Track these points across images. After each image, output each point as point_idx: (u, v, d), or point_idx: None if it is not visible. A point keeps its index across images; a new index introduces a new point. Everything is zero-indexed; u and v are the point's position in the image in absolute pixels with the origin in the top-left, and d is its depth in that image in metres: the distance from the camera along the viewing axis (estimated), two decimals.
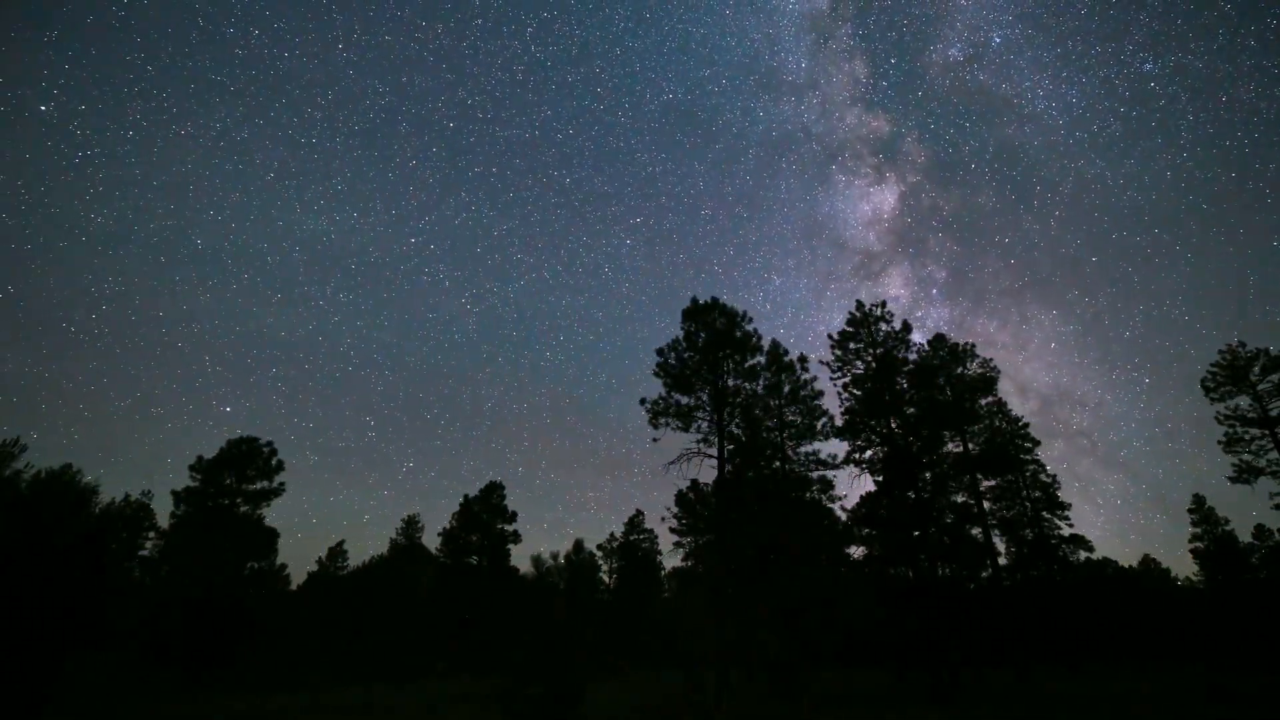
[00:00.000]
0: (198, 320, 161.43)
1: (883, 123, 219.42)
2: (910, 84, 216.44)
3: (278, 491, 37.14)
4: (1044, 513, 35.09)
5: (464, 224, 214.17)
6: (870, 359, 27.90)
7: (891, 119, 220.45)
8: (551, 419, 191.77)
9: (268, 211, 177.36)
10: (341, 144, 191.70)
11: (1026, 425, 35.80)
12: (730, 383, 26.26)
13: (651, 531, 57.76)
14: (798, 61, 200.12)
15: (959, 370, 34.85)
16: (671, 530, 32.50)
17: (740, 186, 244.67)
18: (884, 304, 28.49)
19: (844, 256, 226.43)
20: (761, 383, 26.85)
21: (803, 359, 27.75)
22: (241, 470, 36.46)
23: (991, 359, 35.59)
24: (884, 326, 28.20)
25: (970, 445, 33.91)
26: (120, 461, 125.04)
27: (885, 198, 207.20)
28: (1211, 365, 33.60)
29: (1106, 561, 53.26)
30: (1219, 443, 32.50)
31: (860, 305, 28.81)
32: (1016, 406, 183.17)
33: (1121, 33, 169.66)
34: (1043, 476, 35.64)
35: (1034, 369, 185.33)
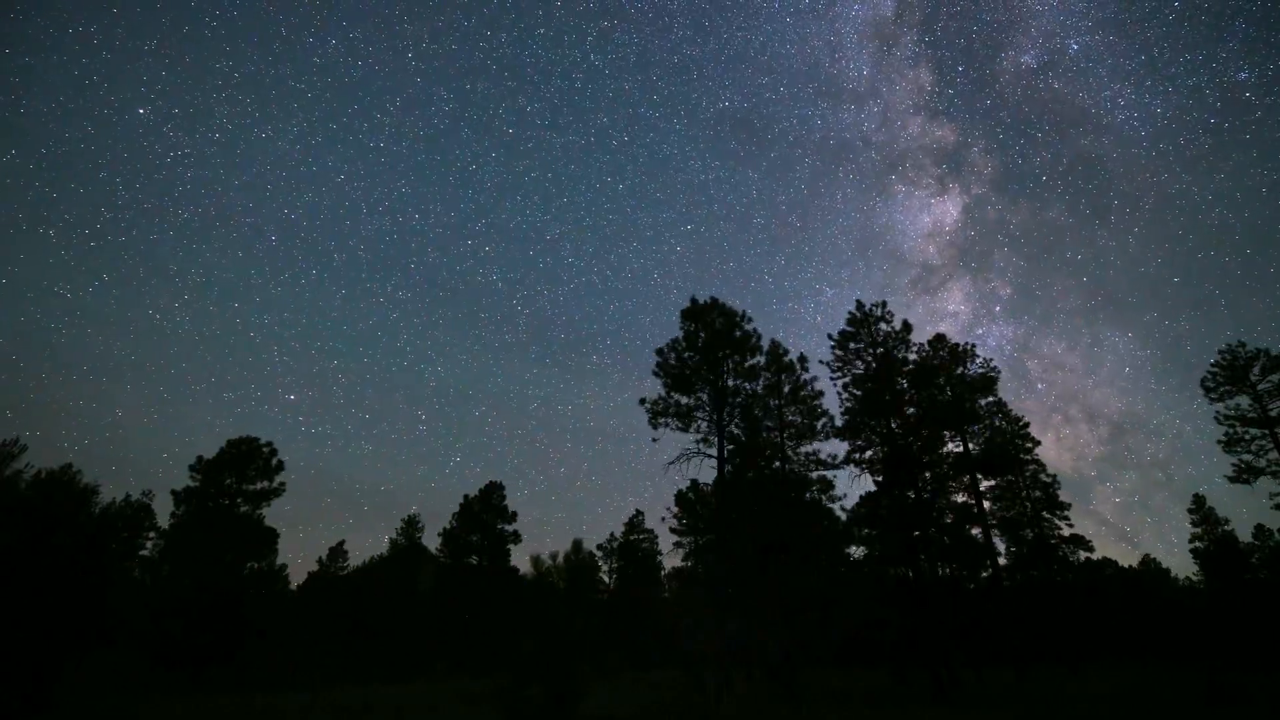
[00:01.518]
0: (269, 312, 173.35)
1: (947, 132, 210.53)
2: (978, 92, 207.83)
3: (278, 491, 37.15)
4: (1044, 513, 35.09)
5: (518, 227, 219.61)
6: (870, 359, 27.90)
7: (957, 128, 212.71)
8: (595, 422, 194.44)
9: (337, 211, 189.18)
10: (407, 148, 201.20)
11: (1026, 425, 35.82)
12: (730, 383, 26.28)
13: (651, 531, 57.80)
14: (859, 69, 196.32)
15: (959, 370, 34.87)
16: (671, 530, 32.55)
17: (794, 195, 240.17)
18: (884, 304, 28.46)
19: (901, 269, 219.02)
20: (761, 383, 26.87)
21: (803, 359, 27.77)
22: (241, 470, 36.47)
23: (992, 359, 35.60)
24: (884, 326, 28.20)
25: (970, 445, 33.93)
26: (196, 441, 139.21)
27: (947, 209, 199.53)
28: (1211, 365, 33.64)
29: (1106, 562, 53.35)
30: (1219, 442, 32.54)
31: (860, 305, 28.81)
32: (1084, 434, 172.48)
33: (1213, 39, 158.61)
34: (1043, 476, 35.64)
35: (1105, 394, 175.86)
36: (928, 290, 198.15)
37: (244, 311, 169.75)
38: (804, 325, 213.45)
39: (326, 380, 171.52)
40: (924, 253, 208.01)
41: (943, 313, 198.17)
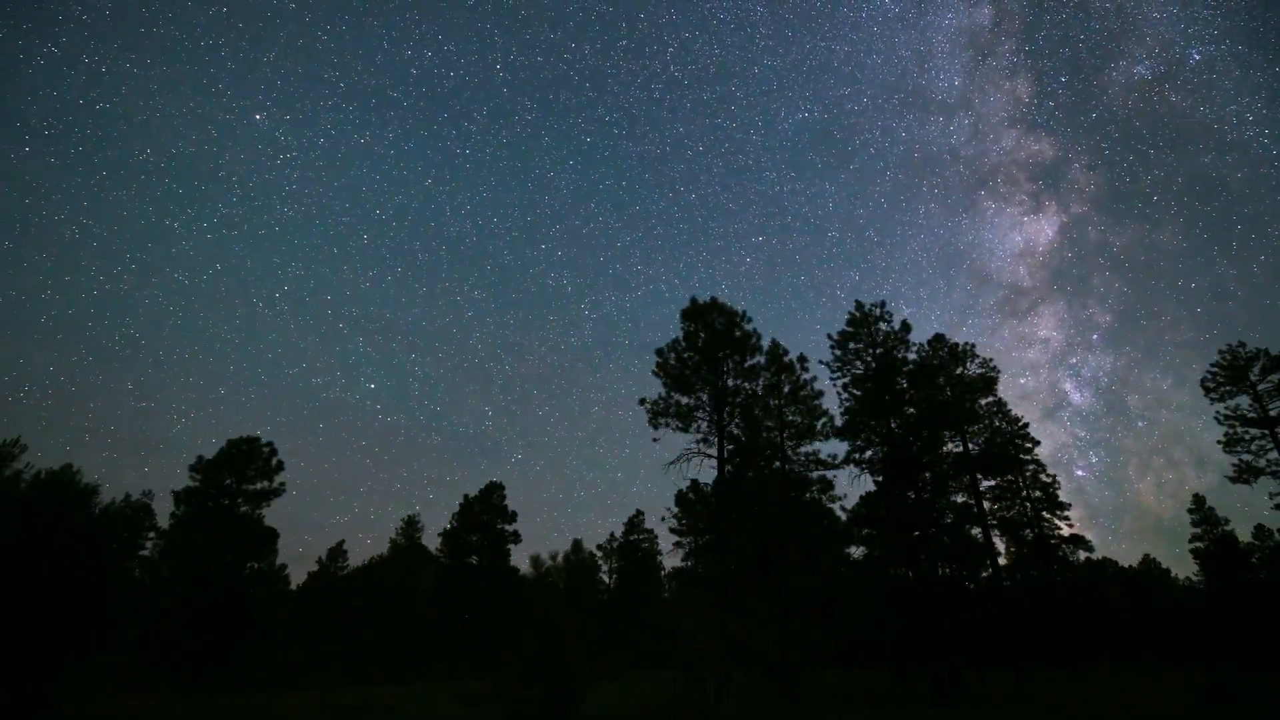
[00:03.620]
0: (357, 304, 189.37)
1: (1045, 146, 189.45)
2: (1083, 105, 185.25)
3: (278, 491, 37.13)
4: (1044, 513, 35.08)
5: (590, 233, 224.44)
6: (870, 359, 27.90)
7: (1057, 143, 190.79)
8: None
9: (423, 213, 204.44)
10: (491, 155, 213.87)
11: (1026, 425, 35.80)
12: (730, 383, 26.28)
13: (651, 531, 57.80)
14: (950, 80, 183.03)
15: (959, 370, 34.83)
16: (671, 530, 32.53)
17: (873, 209, 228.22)
18: (883, 304, 28.47)
19: (986, 290, 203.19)
20: (761, 383, 26.86)
21: (802, 359, 27.76)
22: (241, 470, 36.45)
23: (992, 359, 35.47)
24: (884, 326, 28.20)
25: (970, 445, 33.90)
26: (285, 423, 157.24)
27: (1042, 228, 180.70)
28: (1211, 365, 33.65)
29: (1107, 561, 53.37)
30: (1219, 443, 32.55)
31: (860, 305, 28.83)
32: (1190, 479, 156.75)
33: None
34: (1043, 476, 35.62)
35: (1216, 436, 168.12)
36: (1015, 314, 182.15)
37: (335, 303, 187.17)
38: None
39: (403, 372, 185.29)
40: (1013, 273, 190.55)
41: (1031, 338, 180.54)
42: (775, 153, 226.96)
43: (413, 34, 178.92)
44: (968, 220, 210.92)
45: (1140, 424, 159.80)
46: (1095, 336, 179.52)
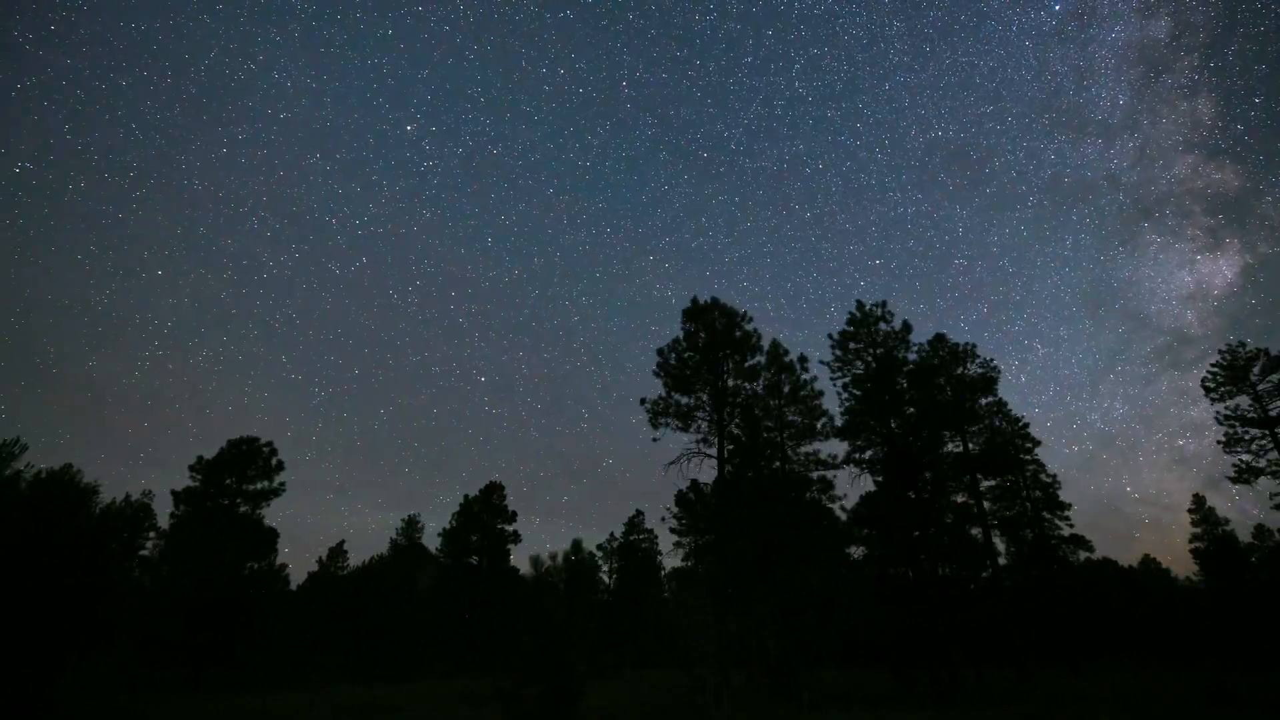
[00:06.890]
0: (476, 302, 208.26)
1: (1230, 175, 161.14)
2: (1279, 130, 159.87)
3: (278, 491, 37.13)
4: (1044, 513, 35.09)
5: (699, 248, 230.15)
6: (870, 359, 27.89)
7: (1244, 172, 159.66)
8: None
9: (541, 221, 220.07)
10: (610, 168, 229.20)
11: (1026, 425, 35.81)
12: (730, 383, 26.28)
13: (651, 531, 57.80)
14: (1113, 98, 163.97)
15: (959, 370, 34.83)
16: (671, 530, 32.55)
17: (1011, 237, 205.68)
18: (884, 303, 28.44)
19: (1143, 334, 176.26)
20: (761, 383, 26.86)
21: (803, 359, 27.76)
22: (241, 470, 36.44)
23: (993, 359, 35.52)
24: (884, 326, 28.19)
25: (970, 445, 33.89)
26: (405, 405, 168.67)
27: (1219, 268, 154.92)
28: (1212, 365, 33.63)
29: (1107, 561, 53.36)
30: (1219, 443, 32.52)
31: (860, 305, 28.83)
32: None
33: None
34: (1043, 476, 35.64)
35: None
36: (1177, 364, 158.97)
37: (458, 299, 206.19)
38: (1010, 386, 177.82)
39: (510, 370, 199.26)
40: (1178, 318, 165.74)
41: (1196, 394, 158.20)
42: (901, 172, 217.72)
43: (549, 53, 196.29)
44: (1125, 255, 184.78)
45: None
46: None
